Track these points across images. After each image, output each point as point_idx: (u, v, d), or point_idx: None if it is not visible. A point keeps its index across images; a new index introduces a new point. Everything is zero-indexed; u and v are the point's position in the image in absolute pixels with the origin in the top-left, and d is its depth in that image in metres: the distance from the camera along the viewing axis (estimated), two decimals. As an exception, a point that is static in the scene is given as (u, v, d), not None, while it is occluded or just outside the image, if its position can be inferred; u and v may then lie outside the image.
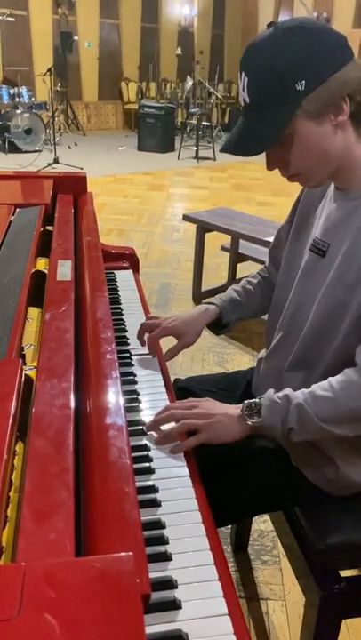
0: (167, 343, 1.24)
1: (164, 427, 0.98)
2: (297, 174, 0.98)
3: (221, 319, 1.29)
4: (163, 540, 0.76)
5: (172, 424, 0.97)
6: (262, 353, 1.25)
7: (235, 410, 0.99)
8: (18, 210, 1.57)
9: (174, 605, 0.67)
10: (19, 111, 7.85)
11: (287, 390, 0.98)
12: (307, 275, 1.08)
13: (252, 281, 1.34)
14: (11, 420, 0.67)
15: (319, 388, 0.96)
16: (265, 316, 1.29)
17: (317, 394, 0.95)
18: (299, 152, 0.93)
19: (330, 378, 0.97)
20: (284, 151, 0.94)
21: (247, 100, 0.92)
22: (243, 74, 0.92)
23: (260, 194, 6.17)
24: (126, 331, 1.35)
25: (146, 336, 1.25)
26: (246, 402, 0.98)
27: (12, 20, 8.28)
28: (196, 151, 8.32)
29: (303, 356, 1.07)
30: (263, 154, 0.96)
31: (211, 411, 0.99)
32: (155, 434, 0.97)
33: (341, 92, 0.88)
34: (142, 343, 1.26)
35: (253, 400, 0.98)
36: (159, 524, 0.79)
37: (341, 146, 0.94)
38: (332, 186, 1.06)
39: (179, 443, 0.95)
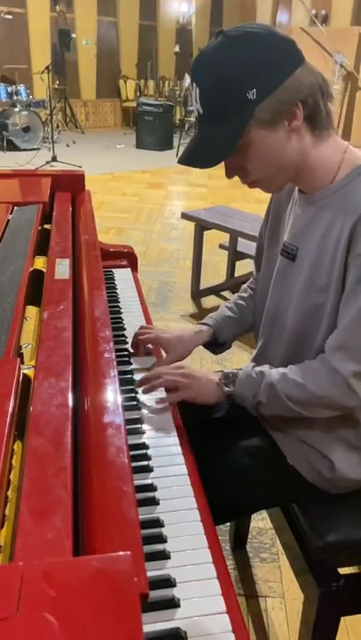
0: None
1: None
2: (256, 181, 0.98)
3: (217, 338, 1.27)
4: (161, 539, 0.77)
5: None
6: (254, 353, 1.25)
7: (214, 376, 1.08)
8: (16, 208, 1.57)
9: (173, 604, 0.67)
10: (17, 109, 7.83)
11: (265, 367, 1.04)
12: (280, 278, 1.09)
13: (243, 295, 1.33)
14: (9, 419, 0.67)
15: (292, 371, 1.01)
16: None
17: (290, 377, 1.00)
18: (255, 160, 0.93)
19: (305, 362, 1.01)
20: (240, 159, 0.94)
21: (200, 111, 0.92)
22: (194, 84, 0.91)
23: (259, 191, 6.12)
24: (124, 329, 1.35)
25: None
26: (225, 371, 1.07)
27: (10, 17, 8.25)
28: (195, 149, 8.29)
29: (288, 360, 1.07)
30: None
31: (193, 373, 1.09)
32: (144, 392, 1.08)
33: (294, 98, 0.87)
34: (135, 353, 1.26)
35: (232, 370, 1.06)
36: (158, 523, 0.79)
37: (297, 151, 0.93)
38: (297, 189, 1.06)
39: (167, 395, 1.08)
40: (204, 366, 2.68)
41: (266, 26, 0.89)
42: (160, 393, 1.10)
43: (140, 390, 1.10)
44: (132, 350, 1.25)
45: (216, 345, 1.29)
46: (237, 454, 1.09)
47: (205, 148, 0.93)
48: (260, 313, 1.17)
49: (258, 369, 1.04)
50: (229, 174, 0.99)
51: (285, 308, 1.07)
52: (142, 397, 1.09)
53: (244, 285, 1.36)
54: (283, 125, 0.90)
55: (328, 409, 1.00)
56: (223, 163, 0.96)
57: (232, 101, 0.87)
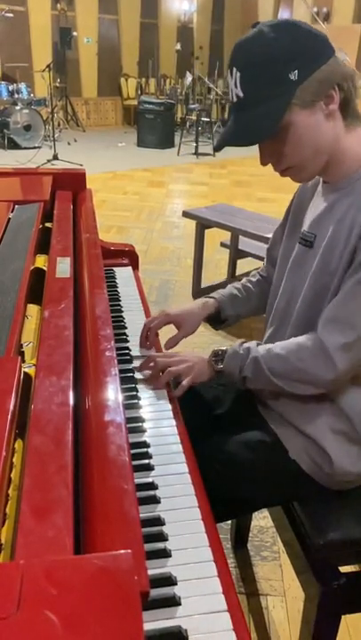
0: (167, 334, 1.24)
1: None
2: (290, 167, 1.00)
3: (220, 314, 1.31)
4: (162, 537, 0.76)
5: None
6: None
7: (205, 355, 1.14)
8: (17, 207, 1.57)
9: (174, 602, 0.67)
10: (18, 107, 7.83)
11: (252, 343, 1.10)
12: (296, 266, 1.11)
13: (251, 279, 1.37)
14: (10, 418, 0.67)
15: (279, 346, 1.05)
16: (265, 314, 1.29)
17: (274, 351, 1.04)
18: (293, 143, 0.95)
19: (292, 338, 1.04)
20: (278, 144, 0.96)
21: (241, 95, 0.93)
22: (234, 70, 0.92)
23: (260, 190, 6.16)
24: (126, 328, 1.35)
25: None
26: (215, 349, 1.12)
27: (11, 15, 8.24)
28: (196, 147, 8.30)
29: None
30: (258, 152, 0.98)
31: (187, 357, 1.13)
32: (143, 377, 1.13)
33: (332, 80, 0.92)
34: (142, 344, 1.27)
35: (221, 348, 1.11)
36: (158, 521, 0.79)
37: (332, 136, 0.96)
38: (321, 181, 1.09)
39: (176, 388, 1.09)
40: (206, 365, 2.68)
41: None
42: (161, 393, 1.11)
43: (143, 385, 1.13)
44: (136, 353, 1.25)
45: (218, 320, 1.33)
46: (239, 450, 1.09)
47: (247, 130, 0.95)
48: (272, 302, 1.19)
49: (245, 345, 1.09)
50: (264, 160, 1.01)
51: (298, 293, 1.08)
52: (143, 395, 1.09)
53: (255, 271, 1.39)
54: (320, 107, 0.93)
55: (307, 384, 1.03)
56: (258, 150, 0.99)
57: (275, 82, 0.90)
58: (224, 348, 1.11)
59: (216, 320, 1.33)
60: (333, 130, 0.96)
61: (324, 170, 1.02)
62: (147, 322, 1.28)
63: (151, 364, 1.14)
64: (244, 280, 1.37)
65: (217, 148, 1.05)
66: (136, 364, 1.18)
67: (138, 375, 1.15)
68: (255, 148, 0.99)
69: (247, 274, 1.41)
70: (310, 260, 1.05)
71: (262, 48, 0.90)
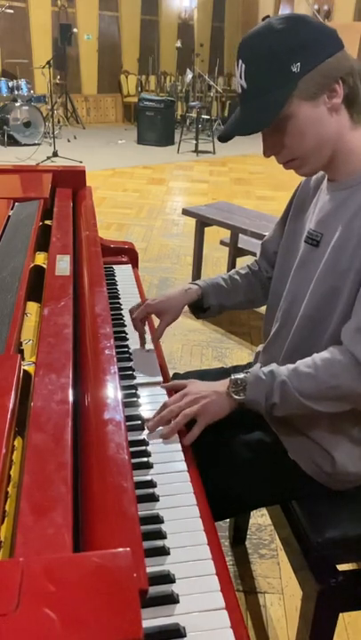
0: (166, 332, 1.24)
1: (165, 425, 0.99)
2: (292, 159, 1.00)
3: (203, 302, 1.29)
4: (161, 535, 0.77)
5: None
6: (260, 347, 1.25)
7: (222, 387, 1.02)
8: (16, 204, 1.57)
9: (172, 599, 0.68)
10: (18, 104, 7.81)
11: (273, 366, 1.01)
12: (301, 266, 1.09)
13: (240, 272, 1.35)
14: (9, 415, 0.67)
15: (303, 364, 0.98)
16: (263, 311, 1.29)
17: (301, 370, 0.97)
18: (295, 135, 0.95)
19: (315, 354, 0.99)
20: (280, 135, 0.96)
21: (245, 86, 0.95)
22: (240, 62, 0.94)
23: (260, 188, 6.16)
24: (125, 326, 1.35)
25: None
26: (233, 377, 1.01)
27: (11, 11, 8.23)
28: (196, 145, 8.29)
29: (297, 345, 1.08)
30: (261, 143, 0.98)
31: (201, 393, 1.02)
32: (158, 431, 0.98)
33: (335, 74, 0.92)
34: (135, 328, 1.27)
35: (239, 376, 1.01)
36: (157, 519, 0.80)
37: (335, 130, 0.96)
38: (325, 178, 1.08)
39: (186, 435, 0.98)
40: (205, 363, 2.69)
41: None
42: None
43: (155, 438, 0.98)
44: (134, 347, 1.26)
45: (200, 309, 1.31)
46: (238, 448, 1.09)
47: (249, 119, 0.96)
48: (276, 300, 1.17)
49: (266, 369, 1.00)
50: (267, 152, 1.01)
51: (303, 295, 1.06)
52: (142, 393, 1.09)
53: (245, 265, 1.37)
54: (323, 100, 0.93)
55: (341, 401, 0.97)
56: (262, 141, 0.99)
57: (277, 73, 0.91)
58: (242, 376, 1.00)
59: (198, 308, 1.31)
60: (337, 124, 0.96)
61: (329, 166, 1.01)
62: (130, 310, 1.28)
63: (163, 413, 1.00)
64: (232, 271, 1.35)
65: (220, 139, 1.04)
66: (147, 432, 1.00)
67: (139, 375, 1.15)
68: (256, 145, 0.99)
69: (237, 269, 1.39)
70: (316, 259, 1.04)
71: (267, 41, 0.91)
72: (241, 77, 0.95)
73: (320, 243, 1.04)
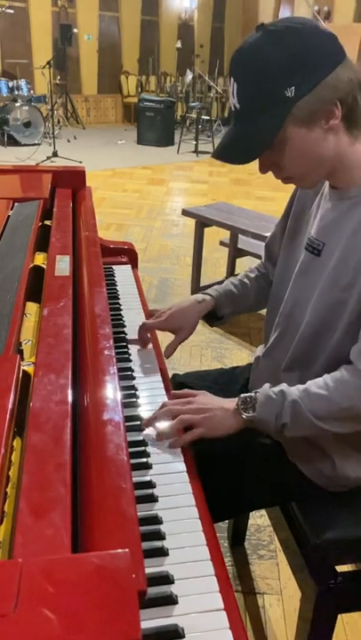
0: (167, 338, 1.24)
1: (162, 424, 0.98)
2: (290, 177, 0.98)
3: (216, 311, 1.28)
4: (160, 536, 0.77)
5: (169, 421, 0.98)
6: (260, 350, 1.25)
7: (230, 403, 1.00)
8: (16, 204, 1.57)
9: (171, 600, 0.68)
10: (18, 104, 7.81)
11: (283, 386, 0.99)
12: (303, 273, 1.08)
13: (249, 275, 1.34)
14: (8, 416, 0.67)
15: (314, 385, 0.97)
16: (263, 312, 1.29)
17: (312, 391, 0.96)
18: (290, 157, 0.93)
19: (325, 375, 0.98)
20: (276, 156, 0.93)
21: (237, 106, 0.91)
22: (232, 79, 0.90)
23: (260, 189, 6.16)
24: (125, 326, 1.35)
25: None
26: (242, 396, 0.99)
27: (12, 12, 8.22)
28: (196, 145, 8.29)
29: (300, 355, 1.07)
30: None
31: (206, 405, 1.00)
32: (152, 430, 0.98)
33: (332, 97, 0.87)
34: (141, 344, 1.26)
35: (249, 394, 0.99)
36: (156, 520, 0.79)
37: (333, 149, 0.93)
38: (327, 183, 1.06)
39: (176, 438, 0.96)
40: (204, 363, 2.69)
41: (308, 20, 0.88)
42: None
43: (149, 440, 0.97)
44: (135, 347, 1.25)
45: (214, 317, 1.30)
46: (237, 451, 1.09)
47: (240, 144, 0.93)
48: (277, 305, 1.16)
49: (276, 389, 0.98)
50: (263, 170, 0.98)
51: (305, 302, 1.05)
52: (142, 394, 1.09)
53: (253, 267, 1.36)
54: (320, 124, 0.89)
55: (354, 421, 0.96)
56: (258, 160, 0.95)
57: (270, 98, 0.86)
58: (252, 394, 0.99)
59: (212, 316, 1.30)
60: (336, 143, 0.92)
61: (330, 176, 0.99)
62: (145, 322, 1.27)
63: (162, 410, 1.00)
64: (241, 275, 1.34)
65: (214, 157, 1.00)
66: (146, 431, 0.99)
67: (139, 376, 1.15)
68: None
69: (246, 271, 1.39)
70: (319, 269, 1.02)
71: (259, 61, 0.86)
72: (233, 96, 0.91)
73: (321, 252, 1.03)
